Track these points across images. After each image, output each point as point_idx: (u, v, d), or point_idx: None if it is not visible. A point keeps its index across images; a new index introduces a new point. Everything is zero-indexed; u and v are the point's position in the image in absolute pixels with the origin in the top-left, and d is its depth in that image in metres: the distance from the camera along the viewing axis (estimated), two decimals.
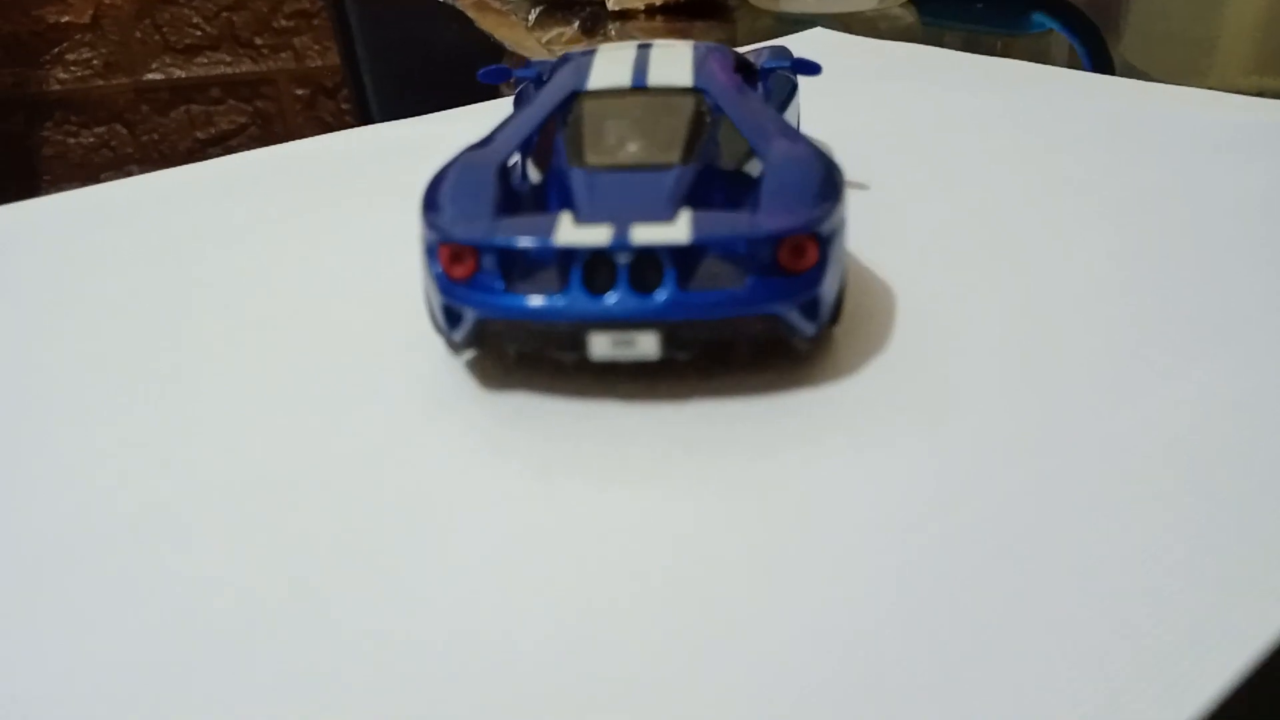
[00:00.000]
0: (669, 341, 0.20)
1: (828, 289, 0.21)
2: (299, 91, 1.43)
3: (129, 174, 1.39)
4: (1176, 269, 0.25)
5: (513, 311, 0.20)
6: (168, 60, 1.38)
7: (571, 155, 0.23)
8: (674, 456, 0.19)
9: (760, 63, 0.30)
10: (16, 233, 0.31)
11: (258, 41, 1.40)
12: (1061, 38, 0.58)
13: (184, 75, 1.39)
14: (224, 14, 1.38)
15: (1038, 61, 0.46)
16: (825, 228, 0.20)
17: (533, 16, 0.68)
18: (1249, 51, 0.57)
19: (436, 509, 0.18)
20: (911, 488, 0.18)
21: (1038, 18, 0.61)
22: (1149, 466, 0.18)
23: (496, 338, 0.21)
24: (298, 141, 0.39)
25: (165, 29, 1.37)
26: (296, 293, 0.27)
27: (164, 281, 0.28)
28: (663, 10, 0.67)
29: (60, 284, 0.28)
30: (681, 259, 0.20)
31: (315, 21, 1.40)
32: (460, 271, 0.21)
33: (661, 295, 0.20)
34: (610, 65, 0.26)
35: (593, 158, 0.23)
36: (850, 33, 0.53)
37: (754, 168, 0.24)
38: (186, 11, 1.37)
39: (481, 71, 0.30)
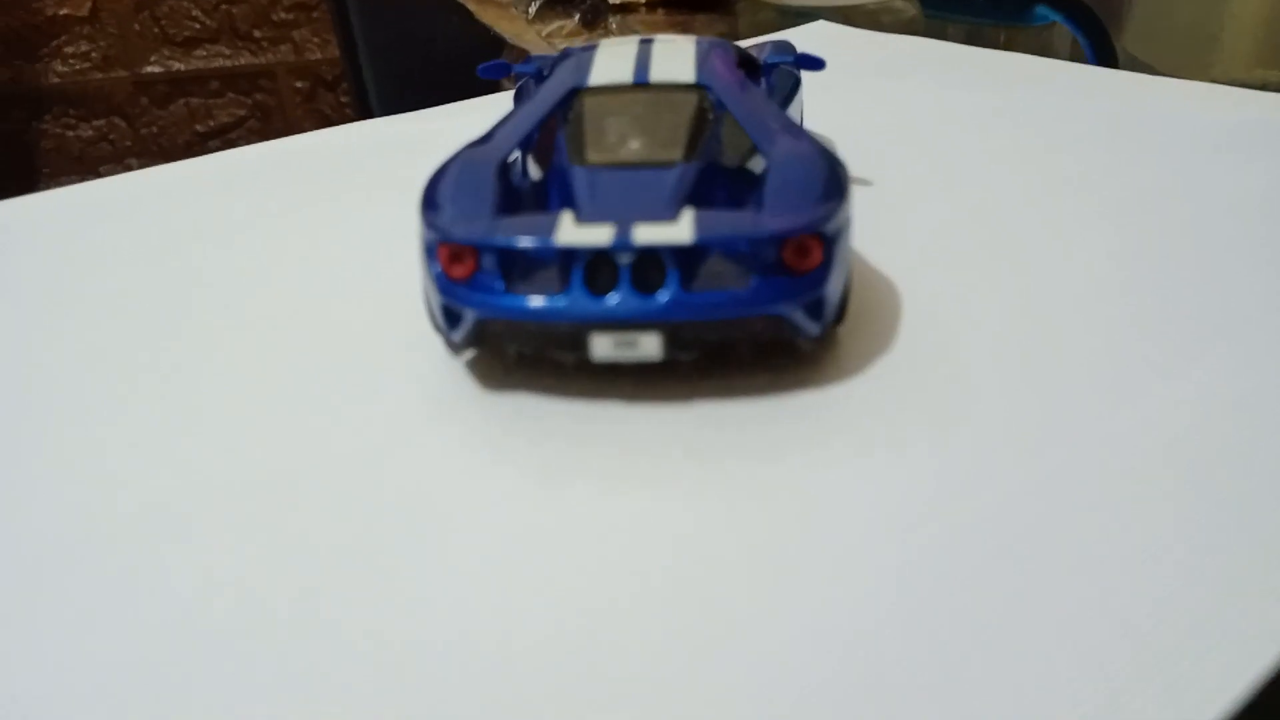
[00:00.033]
0: (671, 342, 0.20)
1: (833, 289, 0.20)
2: (298, 84, 1.42)
3: (128, 167, 1.39)
4: (1178, 268, 0.25)
5: (513, 312, 0.20)
6: (166, 53, 1.37)
7: (572, 153, 0.23)
8: (677, 459, 0.19)
9: (763, 58, 0.29)
10: (16, 229, 0.31)
11: (257, 34, 1.40)
12: (1065, 30, 0.58)
13: (183, 68, 1.38)
14: (223, 6, 1.38)
15: (1041, 55, 0.46)
16: (830, 227, 0.20)
17: (533, 9, 0.68)
18: (1253, 45, 0.56)
19: (436, 511, 0.18)
20: (915, 489, 0.18)
21: (1041, 10, 0.61)
22: (1151, 465, 0.18)
23: (496, 338, 0.21)
24: (298, 136, 0.39)
25: (164, 21, 1.36)
26: (296, 291, 0.26)
27: (163, 279, 0.27)
28: (664, 3, 0.66)
29: (60, 281, 0.28)
30: (684, 259, 0.20)
31: (315, 14, 1.40)
32: (460, 271, 0.20)
33: (664, 296, 0.19)
34: (611, 61, 0.26)
35: (594, 155, 0.22)
36: (852, 26, 0.53)
37: (757, 164, 0.24)
38: (185, 4, 1.36)
39: (481, 67, 0.30)
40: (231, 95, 1.41)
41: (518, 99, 0.30)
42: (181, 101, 1.40)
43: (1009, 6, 0.63)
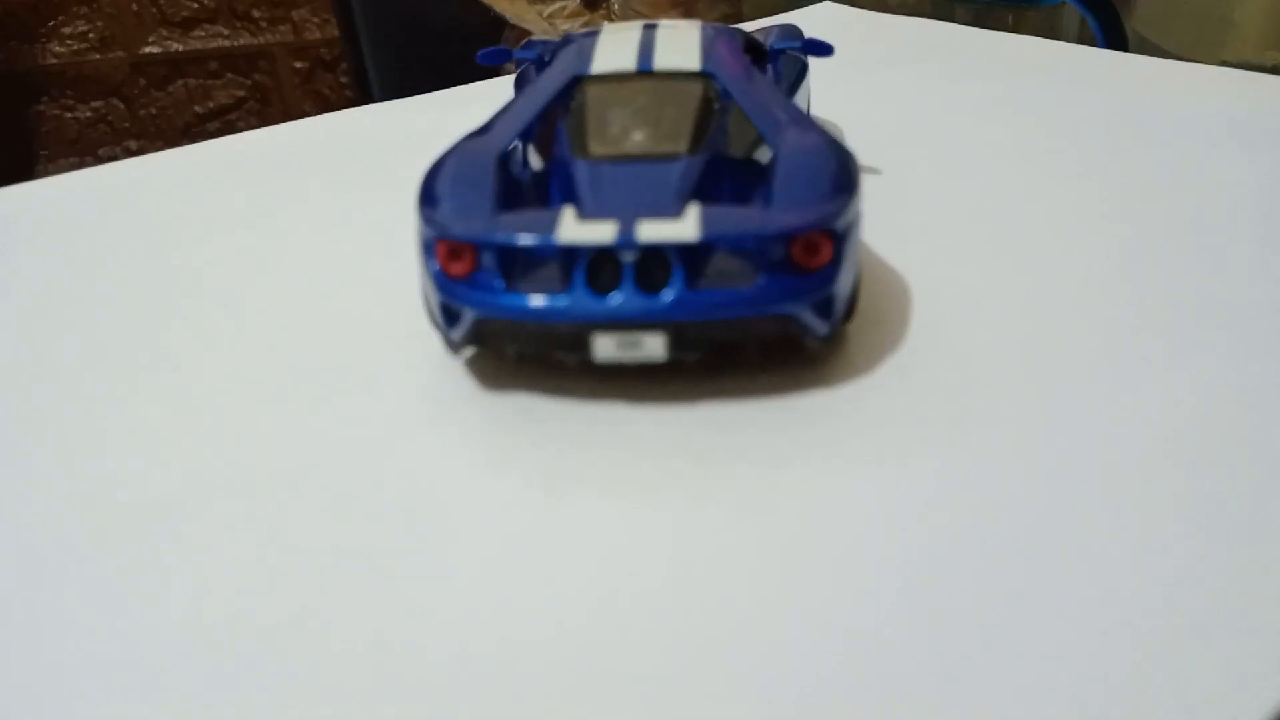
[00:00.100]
0: (676, 343, 0.19)
1: (842, 286, 0.20)
2: (297, 65, 1.41)
3: (127, 149, 1.38)
4: (1186, 260, 0.25)
5: (513, 311, 0.19)
6: (164, 33, 1.36)
7: (574, 145, 0.22)
8: (681, 462, 0.18)
9: (769, 43, 0.29)
10: (16, 220, 0.31)
11: (255, 14, 1.38)
12: (1074, 10, 0.57)
13: (181, 49, 1.37)
14: None
15: (1049, 36, 0.45)
16: (840, 223, 0.19)
17: None
18: (1264, 27, 0.55)
19: (435, 514, 0.17)
20: (920, 491, 0.17)
21: None
22: (1156, 462, 0.18)
23: (496, 338, 0.20)
24: (299, 122, 0.38)
25: (161, 1, 1.35)
26: (296, 287, 0.26)
27: (163, 273, 0.27)
28: None
29: (59, 274, 0.27)
30: (690, 257, 0.19)
31: None
32: (458, 269, 0.20)
33: (669, 295, 0.19)
34: (614, 48, 0.25)
35: (596, 148, 0.22)
36: (859, 7, 0.52)
37: (764, 155, 0.23)
38: None
39: (481, 53, 0.30)
40: (230, 76, 1.40)
41: (518, 85, 0.30)
42: (180, 83, 1.38)
43: None
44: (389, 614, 0.15)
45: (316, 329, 0.24)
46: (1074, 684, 0.14)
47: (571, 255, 0.19)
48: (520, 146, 0.24)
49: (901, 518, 0.17)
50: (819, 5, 0.52)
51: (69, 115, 1.36)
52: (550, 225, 0.19)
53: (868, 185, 0.30)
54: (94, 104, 1.37)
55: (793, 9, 0.53)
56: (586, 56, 0.24)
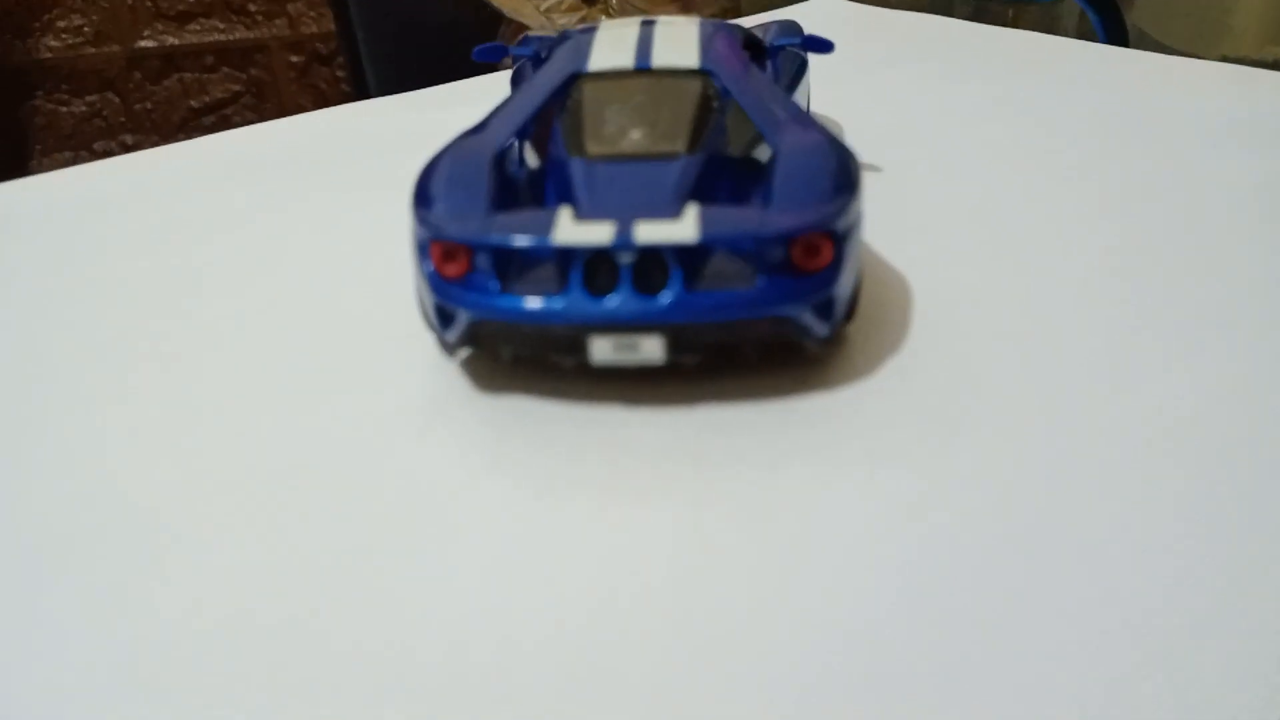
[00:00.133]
0: (675, 345, 0.19)
1: (843, 288, 0.19)
2: (293, 59, 1.41)
3: (122, 144, 1.37)
4: (1186, 259, 0.24)
5: (509, 313, 0.19)
6: (160, 27, 1.35)
7: (571, 144, 0.22)
8: (680, 466, 0.18)
9: (769, 39, 0.28)
10: (14, 218, 0.30)
11: (251, 8, 1.37)
12: (1074, 4, 0.57)
13: (177, 43, 1.36)
14: None
15: (1049, 31, 0.45)
16: (841, 224, 0.19)
17: None
18: (1264, 22, 0.55)
19: (430, 519, 0.17)
20: (919, 494, 0.17)
21: None
22: (1156, 460, 0.18)
23: (492, 340, 0.20)
24: (298, 117, 0.38)
25: None
26: (295, 288, 0.26)
27: (161, 274, 0.27)
28: None
29: (60, 270, 0.27)
30: (688, 258, 0.19)
31: None
32: (453, 270, 0.19)
33: (667, 297, 0.19)
34: (612, 45, 0.24)
35: (593, 147, 0.21)
36: (858, 2, 0.51)
37: (763, 153, 0.23)
38: None
39: (477, 50, 0.29)
40: (226, 70, 1.39)
41: (514, 82, 0.29)
42: (175, 77, 1.38)
43: None
44: (387, 615, 0.15)
45: (315, 330, 0.23)
46: (1074, 684, 0.13)
47: (568, 256, 0.19)
48: (516, 144, 0.23)
49: (901, 519, 0.17)
50: (818, 0, 0.52)
51: (64, 109, 1.36)
52: (546, 226, 0.19)
53: (868, 184, 0.30)
54: (89, 98, 1.36)
55: (792, 4, 0.52)
56: (583, 53, 0.24)
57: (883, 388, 0.20)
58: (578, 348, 0.19)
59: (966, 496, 0.17)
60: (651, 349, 0.19)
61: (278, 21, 1.39)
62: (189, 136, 1.37)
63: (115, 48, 1.34)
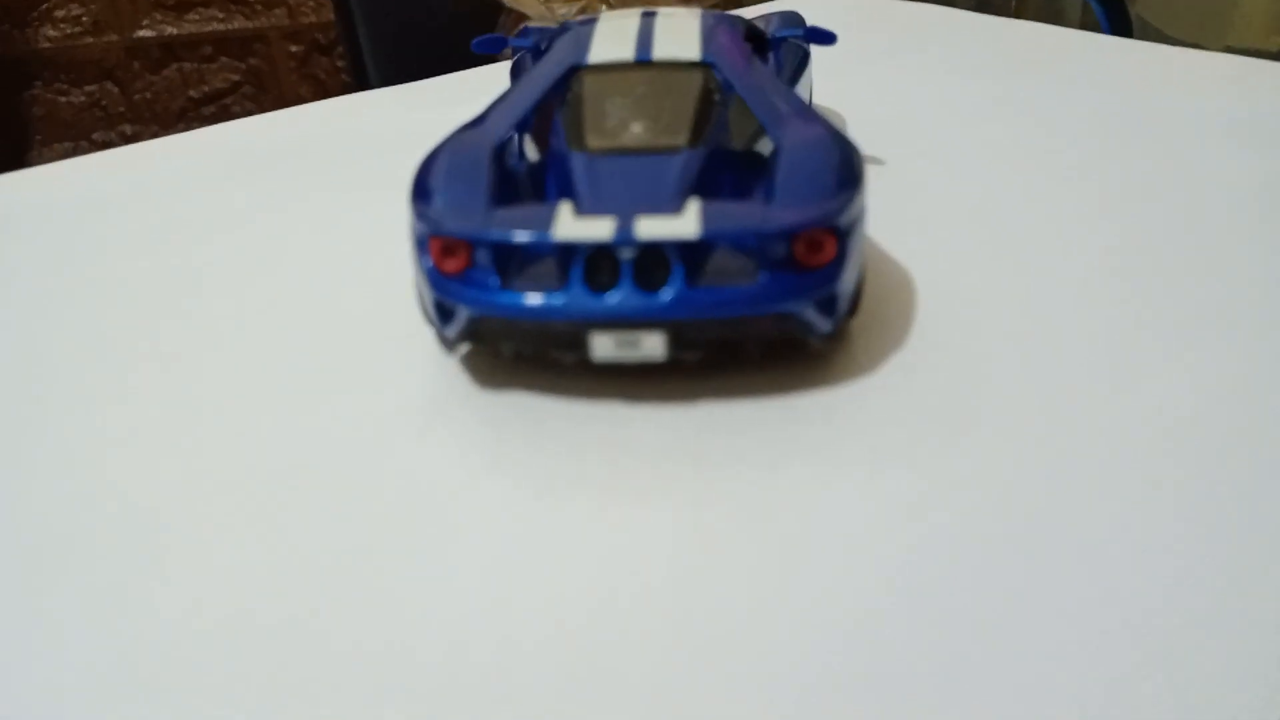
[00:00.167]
0: (676, 342, 0.19)
1: (846, 284, 0.19)
2: (293, 49, 1.40)
3: (121, 134, 1.37)
4: (1189, 256, 0.24)
5: (509, 310, 0.19)
6: (158, 17, 1.35)
7: (571, 137, 0.21)
8: (680, 465, 0.18)
9: (771, 31, 0.28)
10: (15, 214, 0.30)
11: None
12: None
13: (176, 32, 1.36)
14: None
15: (1052, 21, 0.44)
16: (844, 220, 0.19)
17: None
18: (1270, 11, 0.55)
19: (429, 518, 0.17)
20: (921, 493, 0.17)
21: None
22: (1157, 458, 0.17)
23: (492, 336, 0.20)
24: (299, 109, 0.38)
25: None
26: (295, 287, 0.25)
27: (162, 274, 0.27)
28: None
29: (60, 269, 0.27)
30: (690, 254, 0.19)
31: None
32: (452, 266, 0.19)
33: (668, 293, 0.18)
34: (612, 37, 0.24)
35: (594, 140, 0.21)
36: None
37: (765, 146, 0.22)
38: None
39: (476, 41, 0.29)
40: (225, 60, 1.38)
41: (514, 74, 0.29)
42: (174, 66, 1.37)
43: None
44: (387, 615, 0.15)
45: (315, 329, 0.23)
46: (1074, 684, 0.13)
47: (568, 252, 0.19)
48: (516, 137, 0.23)
49: (901, 519, 0.17)
50: None
51: (63, 99, 1.35)
52: (546, 222, 0.19)
53: (870, 177, 0.30)
54: (88, 88, 1.35)
55: None
56: (584, 45, 0.24)
57: (884, 384, 0.20)
58: (578, 344, 0.19)
59: (967, 496, 0.17)
60: (653, 346, 0.19)
61: (277, 11, 1.38)
62: (189, 126, 1.37)
63: (114, 37, 1.34)
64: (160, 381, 0.21)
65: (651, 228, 0.18)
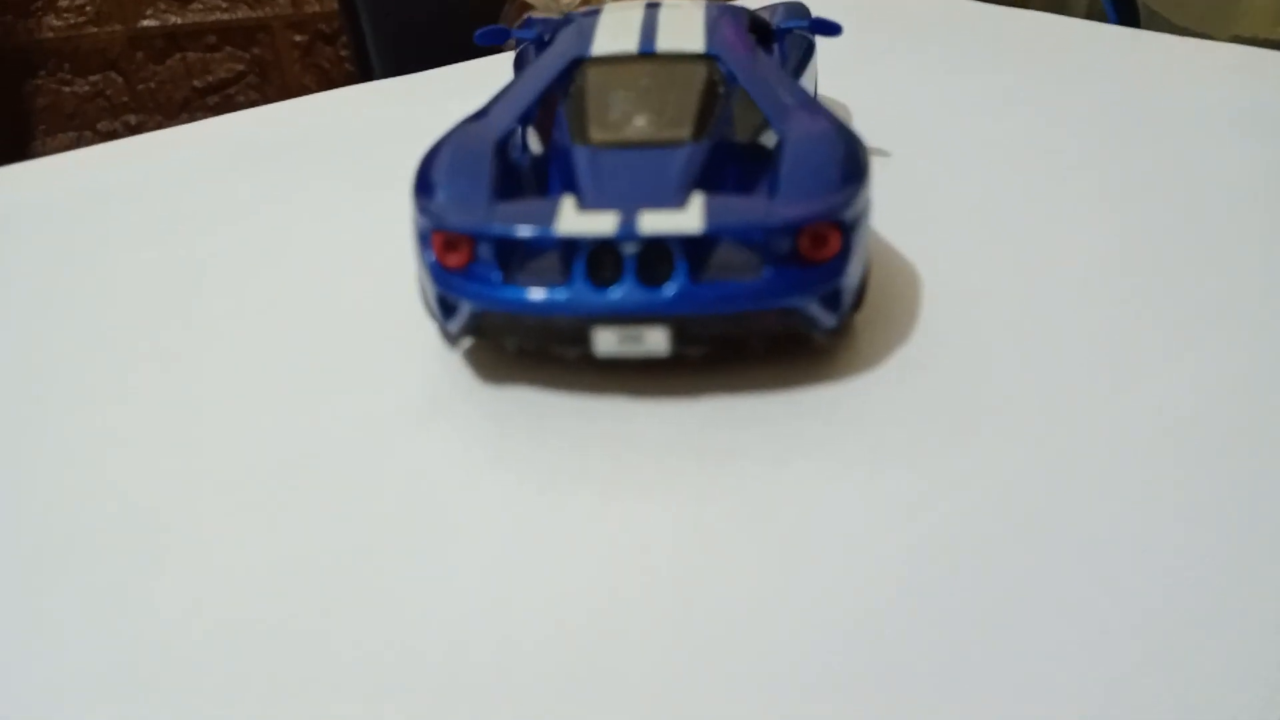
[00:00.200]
0: (680, 337, 0.19)
1: (850, 278, 0.19)
2: (297, 38, 1.40)
3: (125, 124, 1.37)
4: (1191, 254, 0.24)
5: (511, 304, 0.19)
6: (162, 6, 1.34)
7: (574, 130, 0.21)
8: (683, 460, 0.18)
9: (775, 22, 0.28)
10: (17, 207, 0.30)
11: None
12: None
13: (179, 22, 1.36)
14: None
15: (1058, 12, 0.44)
16: (849, 214, 0.19)
17: None
18: (1277, 1, 0.54)
19: (431, 515, 0.17)
20: (923, 489, 0.17)
21: None
22: (1157, 457, 0.17)
23: (494, 331, 0.19)
24: (303, 100, 0.38)
25: None
26: (298, 281, 0.25)
27: (165, 268, 0.26)
28: None
29: (62, 264, 0.27)
30: (693, 249, 0.18)
31: None
32: (455, 260, 0.19)
33: (671, 288, 0.18)
34: (616, 28, 0.24)
35: (597, 134, 0.21)
36: None
37: (769, 138, 0.22)
38: None
39: (478, 32, 0.29)
40: (229, 49, 1.38)
41: (517, 66, 0.29)
42: (178, 56, 1.37)
43: None
44: (387, 615, 0.15)
45: (317, 326, 0.23)
46: (1074, 684, 0.13)
47: (571, 247, 0.18)
48: (519, 130, 0.23)
49: (903, 517, 0.16)
50: None
51: (66, 90, 1.35)
52: (549, 216, 0.19)
53: (875, 171, 0.29)
54: (91, 78, 1.35)
55: None
56: (587, 37, 0.24)
57: (887, 380, 0.20)
58: (581, 339, 0.19)
59: (967, 495, 0.17)
60: (656, 341, 0.19)
61: (280, 0, 1.38)
62: (192, 117, 1.37)
63: (117, 27, 1.34)
64: (160, 381, 0.21)
65: (655, 222, 0.18)
